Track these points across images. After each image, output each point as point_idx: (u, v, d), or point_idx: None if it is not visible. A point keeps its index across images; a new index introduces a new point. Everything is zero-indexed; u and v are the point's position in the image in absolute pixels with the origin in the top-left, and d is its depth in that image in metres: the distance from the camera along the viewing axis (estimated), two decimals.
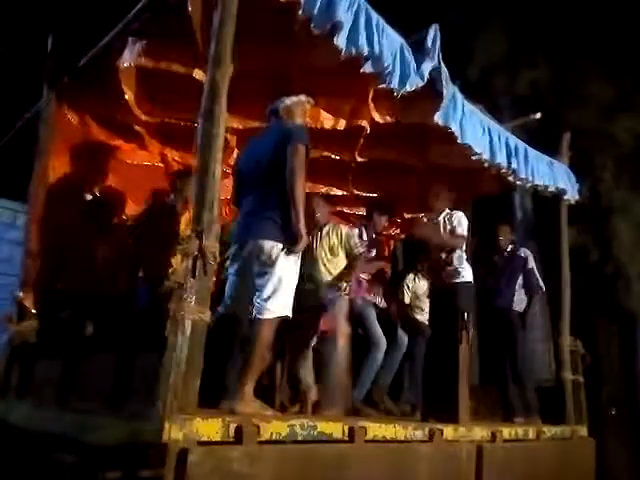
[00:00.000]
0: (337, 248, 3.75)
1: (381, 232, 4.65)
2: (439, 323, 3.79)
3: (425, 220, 4.30)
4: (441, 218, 4.13)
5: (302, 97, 3.02)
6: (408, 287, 4.53)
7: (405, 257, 4.51)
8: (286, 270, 2.66)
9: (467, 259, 4.06)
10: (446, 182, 4.33)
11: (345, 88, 3.56)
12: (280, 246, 2.65)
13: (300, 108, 3.02)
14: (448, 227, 4.07)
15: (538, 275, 4.63)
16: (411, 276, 4.56)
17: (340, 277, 3.69)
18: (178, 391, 2.02)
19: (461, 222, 4.04)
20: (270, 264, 2.64)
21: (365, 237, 4.34)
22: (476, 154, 3.62)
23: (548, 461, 3.77)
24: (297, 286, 2.75)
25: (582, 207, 5.12)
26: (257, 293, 2.67)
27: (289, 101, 2.99)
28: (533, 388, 4.41)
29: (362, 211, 5.37)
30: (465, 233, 4.05)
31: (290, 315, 2.70)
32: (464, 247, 4.08)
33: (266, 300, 2.62)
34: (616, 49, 7.64)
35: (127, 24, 3.13)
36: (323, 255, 3.72)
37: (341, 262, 3.76)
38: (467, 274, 3.99)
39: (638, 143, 7.67)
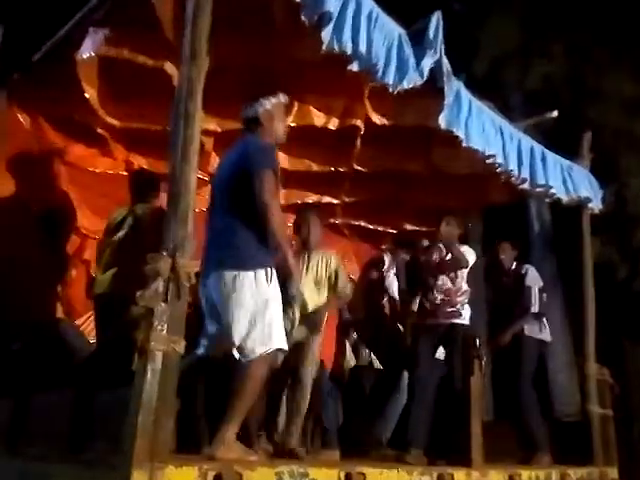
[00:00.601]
0: (323, 281, 3.67)
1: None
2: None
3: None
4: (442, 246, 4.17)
5: (281, 97, 3.01)
6: None
7: (407, 282, 4.50)
8: (259, 299, 2.64)
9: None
10: (454, 191, 4.36)
11: (337, 84, 3.58)
12: (247, 274, 2.63)
13: (281, 110, 3.03)
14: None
15: (535, 294, 4.61)
16: None
17: (315, 312, 3.62)
18: (147, 434, 1.99)
19: (468, 252, 4.11)
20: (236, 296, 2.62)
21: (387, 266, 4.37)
22: (487, 157, 3.63)
23: None
24: None
25: (606, 216, 5.16)
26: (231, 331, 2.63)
27: (269, 104, 2.94)
28: (541, 421, 4.39)
29: (358, 222, 5.43)
30: (470, 264, 4.08)
31: (285, 347, 2.69)
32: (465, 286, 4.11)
33: (244, 338, 2.60)
34: (638, 37, 7.76)
35: (88, 13, 3.13)
36: (308, 286, 3.62)
37: (322, 298, 3.68)
38: (467, 316, 4.03)
39: None
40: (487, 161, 3.65)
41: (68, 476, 2.14)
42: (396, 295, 4.49)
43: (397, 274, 4.53)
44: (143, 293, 2.13)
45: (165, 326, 2.10)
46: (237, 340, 2.60)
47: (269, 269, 2.67)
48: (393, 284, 4.50)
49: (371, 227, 5.39)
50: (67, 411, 2.68)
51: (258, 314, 2.61)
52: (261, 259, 2.67)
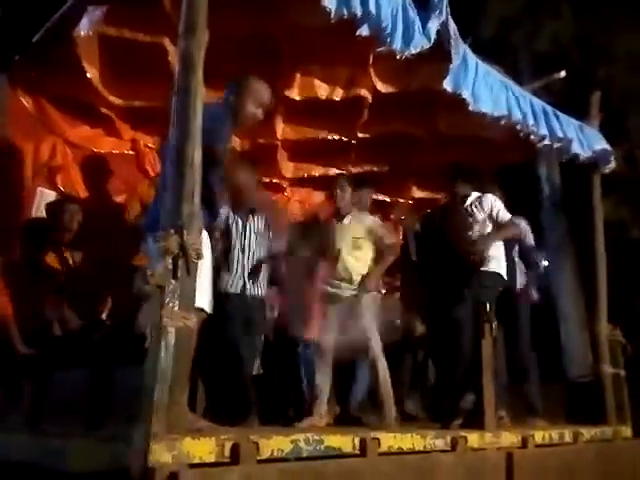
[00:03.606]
0: (362, 240, 3.64)
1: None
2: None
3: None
4: (468, 205, 4.03)
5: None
6: None
7: (418, 249, 4.45)
8: None
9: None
10: (463, 154, 4.30)
11: (341, 53, 3.54)
12: None
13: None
14: (483, 215, 3.94)
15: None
16: None
17: (369, 275, 3.60)
18: (164, 408, 2.02)
19: (498, 205, 3.94)
20: None
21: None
22: (497, 119, 3.56)
23: (588, 467, 3.77)
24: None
25: (617, 177, 5.10)
26: None
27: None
28: (538, 385, 4.36)
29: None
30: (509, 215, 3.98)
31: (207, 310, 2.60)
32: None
33: None
34: None
35: None
36: (346, 250, 3.62)
37: (367, 256, 3.66)
38: (496, 264, 3.92)
39: None
40: (501, 122, 3.59)
41: (87, 452, 2.18)
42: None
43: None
44: (153, 271, 2.14)
45: (177, 302, 2.11)
46: None
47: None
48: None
49: (380, 198, 5.35)
50: (85, 388, 2.73)
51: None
52: None
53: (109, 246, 3.90)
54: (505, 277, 3.91)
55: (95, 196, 4.20)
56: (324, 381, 3.51)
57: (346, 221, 3.71)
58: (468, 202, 4.01)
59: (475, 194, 4.04)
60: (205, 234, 2.59)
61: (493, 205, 3.95)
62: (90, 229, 3.78)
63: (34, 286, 3.36)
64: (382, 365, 3.47)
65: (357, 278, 3.58)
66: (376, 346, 3.47)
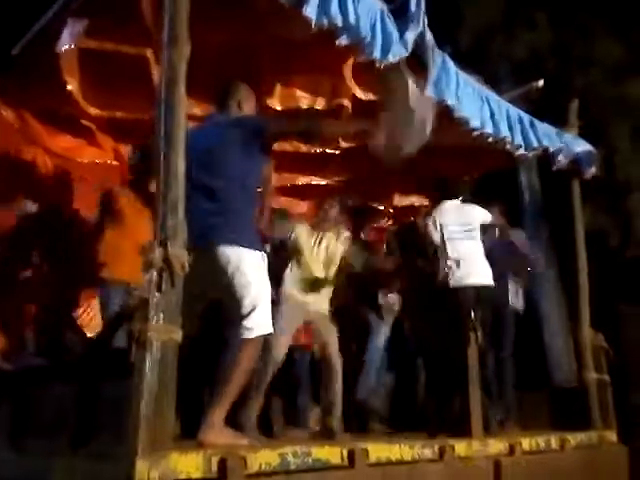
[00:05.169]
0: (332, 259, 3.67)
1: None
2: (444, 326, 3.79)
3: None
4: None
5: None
6: None
7: (401, 252, 4.51)
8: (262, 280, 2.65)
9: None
10: (444, 162, 4.34)
11: (322, 63, 3.55)
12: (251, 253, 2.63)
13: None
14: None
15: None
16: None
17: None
18: (149, 424, 2.00)
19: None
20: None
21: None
22: (475, 129, 3.62)
23: (575, 472, 3.81)
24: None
25: (596, 183, 5.16)
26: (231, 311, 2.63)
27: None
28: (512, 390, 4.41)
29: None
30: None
31: (272, 331, 2.69)
32: None
33: (246, 317, 2.59)
34: (623, 0, 7.70)
35: (65, 3, 3.07)
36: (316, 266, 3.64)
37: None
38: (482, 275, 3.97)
39: None
40: (475, 133, 3.65)
41: (72, 470, 2.15)
42: None
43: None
44: (138, 285, 2.13)
45: (161, 316, 2.10)
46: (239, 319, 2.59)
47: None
48: None
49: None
50: (70, 404, 2.68)
51: (260, 295, 2.61)
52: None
53: (91, 257, 3.85)
54: (492, 283, 3.96)
55: (76, 207, 4.16)
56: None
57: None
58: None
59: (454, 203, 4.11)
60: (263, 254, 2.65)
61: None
62: (71, 240, 3.74)
63: (12, 300, 3.31)
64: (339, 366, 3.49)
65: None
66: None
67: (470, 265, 3.93)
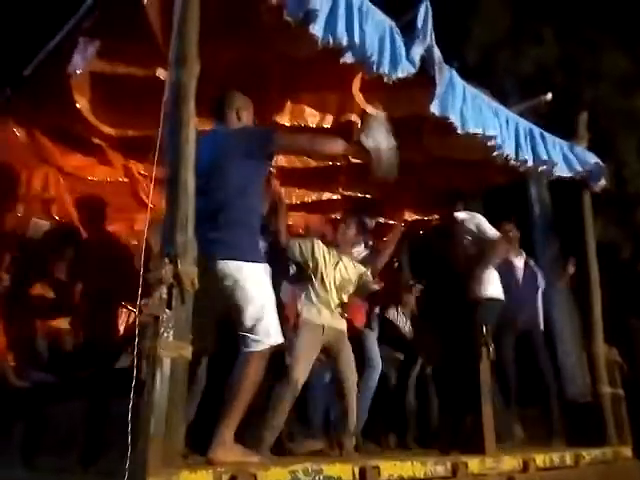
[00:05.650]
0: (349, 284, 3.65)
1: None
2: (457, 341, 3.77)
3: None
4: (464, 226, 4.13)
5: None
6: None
7: (412, 268, 4.50)
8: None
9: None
10: (453, 176, 4.35)
11: (330, 79, 3.57)
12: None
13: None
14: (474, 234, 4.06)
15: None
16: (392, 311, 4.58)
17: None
18: (160, 441, 1.99)
19: (484, 223, 4.06)
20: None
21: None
22: (488, 138, 3.61)
23: None
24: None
25: (607, 196, 5.14)
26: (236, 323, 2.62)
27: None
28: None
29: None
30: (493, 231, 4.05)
31: (282, 341, 2.66)
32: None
33: (250, 330, 2.58)
34: (628, 13, 7.70)
35: (76, 24, 3.11)
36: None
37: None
38: (491, 288, 3.96)
39: None
40: (488, 143, 3.64)
41: None
42: None
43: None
44: (147, 301, 2.13)
45: (171, 333, 2.10)
46: (244, 331, 2.58)
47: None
48: None
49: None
50: (81, 421, 2.68)
51: (265, 306, 2.60)
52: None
53: (104, 275, 3.88)
54: (502, 299, 3.93)
55: (89, 225, 4.19)
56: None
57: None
58: (464, 223, 4.07)
59: (465, 214, 4.11)
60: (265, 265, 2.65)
61: (480, 223, 4.03)
62: (85, 257, 3.77)
63: (25, 317, 3.33)
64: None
65: None
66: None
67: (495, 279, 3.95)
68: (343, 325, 3.58)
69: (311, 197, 4.91)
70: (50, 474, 2.40)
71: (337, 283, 3.57)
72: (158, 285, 2.12)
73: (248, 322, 2.57)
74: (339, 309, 3.58)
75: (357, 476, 2.48)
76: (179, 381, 2.09)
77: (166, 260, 2.15)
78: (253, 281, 2.59)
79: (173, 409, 2.05)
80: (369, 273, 3.75)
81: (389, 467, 2.65)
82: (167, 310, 2.11)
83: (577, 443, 4.23)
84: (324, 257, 3.56)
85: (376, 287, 3.97)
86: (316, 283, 3.51)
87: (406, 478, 2.70)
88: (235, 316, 2.61)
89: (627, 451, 4.40)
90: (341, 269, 3.62)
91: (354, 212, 3.93)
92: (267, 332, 2.58)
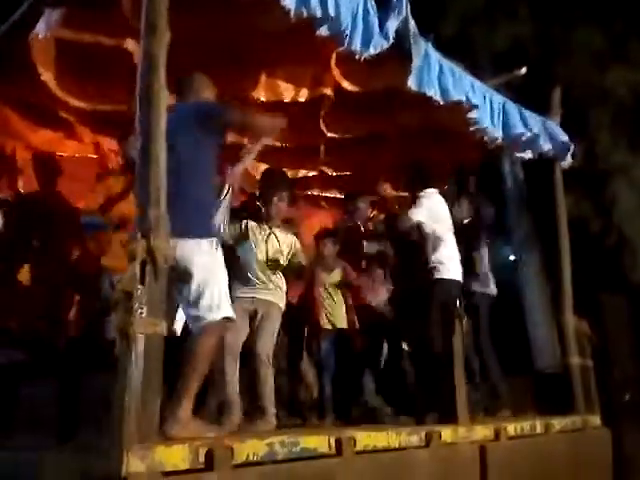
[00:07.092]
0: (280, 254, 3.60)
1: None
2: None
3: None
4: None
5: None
6: None
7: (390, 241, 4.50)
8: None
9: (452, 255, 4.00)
10: (428, 152, 4.35)
11: (303, 53, 3.53)
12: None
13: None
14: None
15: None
16: None
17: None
18: (135, 416, 1.99)
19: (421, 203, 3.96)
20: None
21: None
22: (471, 107, 3.62)
23: (560, 456, 3.86)
24: None
25: (578, 172, 5.20)
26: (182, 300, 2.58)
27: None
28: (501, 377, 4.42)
29: (333, 193, 5.41)
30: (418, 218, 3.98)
31: (232, 316, 2.61)
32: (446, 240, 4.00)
33: (193, 305, 2.53)
34: None
35: None
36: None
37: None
38: (446, 270, 3.92)
39: (636, 96, 7.78)
40: (468, 115, 3.65)
41: (58, 464, 2.13)
42: None
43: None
44: (121, 277, 2.11)
45: (145, 309, 2.08)
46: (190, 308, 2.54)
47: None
48: None
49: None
50: (55, 398, 2.67)
51: (208, 281, 2.54)
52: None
53: (72, 250, 3.83)
54: (460, 280, 3.92)
55: (58, 200, 4.11)
56: None
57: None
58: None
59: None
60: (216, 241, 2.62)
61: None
62: (52, 234, 3.71)
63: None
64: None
65: None
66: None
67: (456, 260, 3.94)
68: (273, 297, 3.52)
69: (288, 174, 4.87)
70: (26, 451, 2.38)
71: (270, 255, 3.57)
72: (131, 260, 2.10)
73: (190, 298, 2.52)
74: (271, 283, 3.56)
75: (333, 447, 2.51)
76: (154, 358, 2.08)
77: (138, 235, 2.12)
78: (196, 256, 2.52)
79: (148, 385, 2.05)
80: (298, 243, 3.75)
81: (365, 438, 2.70)
82: (140, 286, 2.09)
83: (547, 412, 4.35)
84: (254, 233, 3.55)
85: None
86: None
87: (381, 448, 2.75)
88: (182, 293, 2.56)
89: (596, 420, 4.54)
90: (272, 241, 3.61)
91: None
92: (209, 307, 2.52)
